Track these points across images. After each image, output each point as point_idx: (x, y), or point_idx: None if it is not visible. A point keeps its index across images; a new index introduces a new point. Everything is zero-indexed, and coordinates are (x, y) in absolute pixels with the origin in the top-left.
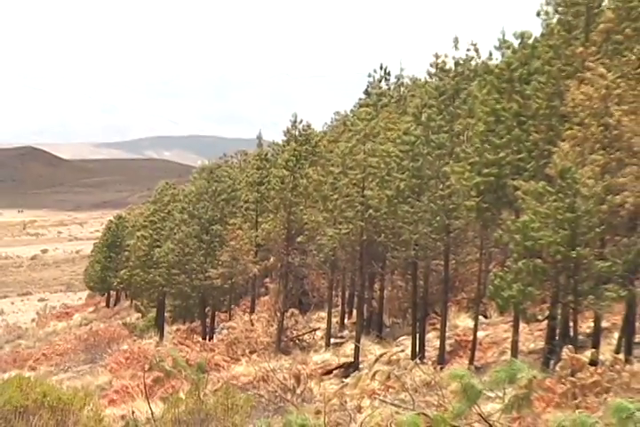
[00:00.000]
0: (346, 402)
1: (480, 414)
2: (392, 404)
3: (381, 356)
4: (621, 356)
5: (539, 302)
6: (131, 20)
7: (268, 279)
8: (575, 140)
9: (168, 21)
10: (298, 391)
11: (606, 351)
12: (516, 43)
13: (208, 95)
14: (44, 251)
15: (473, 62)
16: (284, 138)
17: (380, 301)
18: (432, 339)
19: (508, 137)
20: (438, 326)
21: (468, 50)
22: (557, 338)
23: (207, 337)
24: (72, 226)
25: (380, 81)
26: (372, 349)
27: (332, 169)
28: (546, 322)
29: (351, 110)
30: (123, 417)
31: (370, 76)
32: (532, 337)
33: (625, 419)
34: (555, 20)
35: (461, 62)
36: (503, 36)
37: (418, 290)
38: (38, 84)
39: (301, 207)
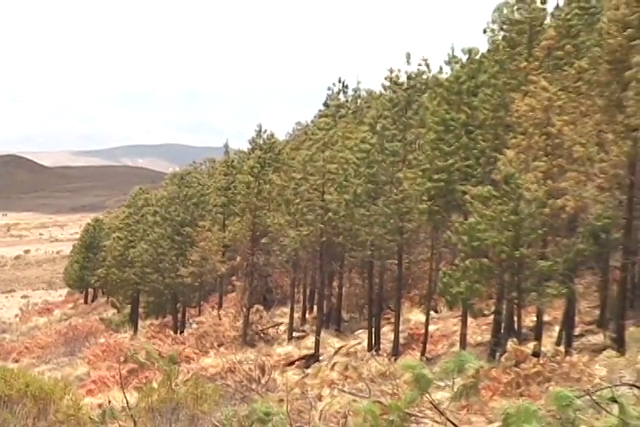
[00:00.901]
0: (307, 391)
1: (431, 402)
2: (350, 393)
3: (340, 348)
4: (562, 348)
5: (485, 298)
6: (107, 36)
7: (234, 277)
8: (519, 148)
9: (142, 37)
10: (262, 381)
11: (548, 344)
12: (464, 58)
13: (179, 106)
14: (27, 251)
15: (424, 76)
16: (250, 146)
17: (338, 297)
18: (387, 332)
19: (456, 145)
20: (392, 320)
21: (420, 64)
22: (502, 331)
23: (178, 331)
24: (53, 228)
25: (339, 93)
26: (331, 342)
27: (293, 175)
28: (492, 316)
29: (312, 121)
30: (100, 406)
31: (329, 89)
32: (479, 330)
33: (565, 406)
34: (500, 37)
35: (413, 76)
36: (452, 51)
37: (373, 287)
38: (21, 97)
39: (265, 211)
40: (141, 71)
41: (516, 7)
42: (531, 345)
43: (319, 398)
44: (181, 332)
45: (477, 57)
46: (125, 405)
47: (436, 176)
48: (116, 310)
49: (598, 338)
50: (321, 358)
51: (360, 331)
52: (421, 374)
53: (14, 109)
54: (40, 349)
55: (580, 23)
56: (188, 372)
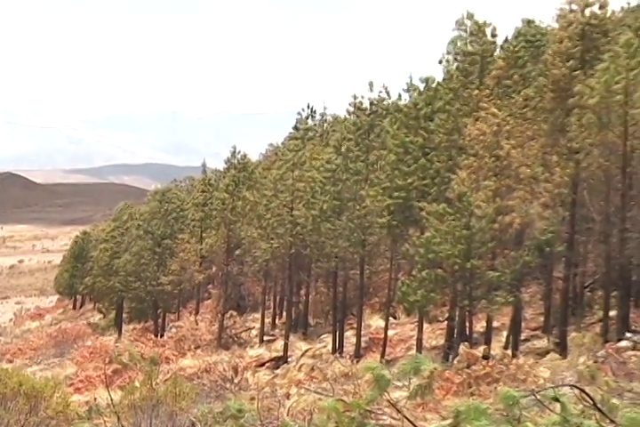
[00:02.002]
0: (276, 390)
1: (389, 401)
2: (315, 392)
3: (306, 351)
4: (509, 351)
5: (439, 306)
6: (95, 64)
7: (210, 286)
8: (471, 169)
9: (128, 66)
10: (235, 381)
11: (496, 347)
12: (421, 86)
13: (161, 129)
14: (21, 261)
15: (385, 102)
16: (225, 166)
17: (305, 304)
18: (349, 337)
19: (414, 166)
20: (355, 325)
21: (381, 92)
22: (455, 336)
23: (159, 335)
24: (44, 240)
25: (307, 118)
26: (298, 345)
27: (265, 192)
28: (445, 322)
29: (282, 143)
30: (87, 403)
31: (298, 114)
32: (434, 335)
33: (511, 405)
34: (454, 67)
35: (375, 102)
36: (410, 80)
37: (337, 295)
38: (16, 120)
39: (239, 225)
40: (127, 97)
41: (468, 40)
42: (481, 349)
43: (287, 396)
44: (161, 335)
45: (433, 85)
46: (110, 402)
47: (395, 194)
48: (101, 315)
49: (542, 343)
50: (289, 359)
51: (325, 335)
52: (381, 374)
53: (10, 131)
54: (32, 350)
55: (526, 55)
56: (168, 372)
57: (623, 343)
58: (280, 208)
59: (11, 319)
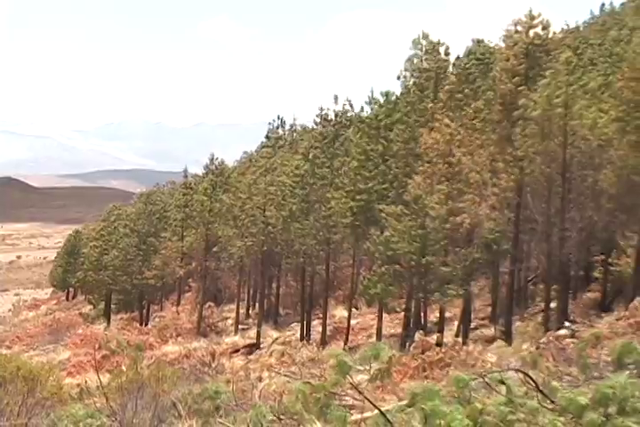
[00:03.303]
0: (249, 374)
1: (352, 383)
2: (285, 375)
3: (277, 338)
4: (460, 339)
5: (397, 298)
6: (87, 79)
7: (190, 279)
8: (426, 174)
9: (117, 81)
10: (213, 366)
11: (448, 335)
12: (381, 99)
13: (147, 138)
14: (19, 257)
15: (349, 114)
16: (204, 171)
17: (276, 296)
18: (316, 326)
19: (375, 171)
20: (321, 315)
21: (345, 104)
22: (411, 325)
23: (143, 324)
24: (41, 238)
25: (278, 128)
26: (270, 333)
27: (240, 195)
28: (403, 313)
29: (255, 150)
30: (78, 385)
31: (270, 124)
32: (393, 324)
33: (462, 387)
34: (411, 82)
35: (340, 114)
36: (372, 94)
37: (305, 288)
38: (15, 129)
39: (216, 224)
40: (116, 109)
41: (424, 58)
42: (434, 337)
43: (260, 379)
44: (146, 324)
45: (392, 99)
46: (99, 384)
47: (357, 197)
48: (92, 306)
49: (490, 331)
50: (261, 346)
51: (294, 324)
52: (344, 360)
53: (9, 140)
54: (29, 338)
55: (476, 71)
56: (152, 357)
57: (562, 332)
58: (253, 210)
59: (9, 310)
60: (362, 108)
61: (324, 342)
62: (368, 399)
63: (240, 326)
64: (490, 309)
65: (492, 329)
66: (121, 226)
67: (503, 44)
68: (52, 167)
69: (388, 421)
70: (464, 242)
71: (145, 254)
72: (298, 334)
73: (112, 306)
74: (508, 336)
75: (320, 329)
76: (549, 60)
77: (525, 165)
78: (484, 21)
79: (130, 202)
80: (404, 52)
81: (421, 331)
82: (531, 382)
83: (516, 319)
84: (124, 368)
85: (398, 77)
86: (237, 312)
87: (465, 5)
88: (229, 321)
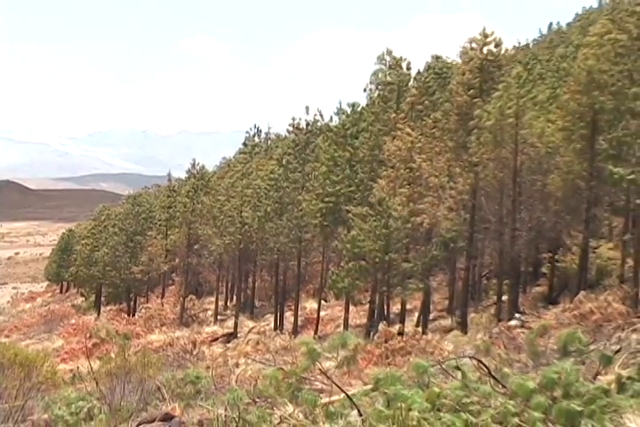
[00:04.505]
0: (227, 360)
1: (320, 369)
2: (259, 362)
3: (253, 328)
4: (420, 329)
5: (363, 291)
6: (80, 90)
7: (174, 274)
8: (389, 178)
9: (107, 92)
10: (194, 353)
11: (409, 326)
12: (349, 110)
13: (134, 145)
14: (17, 253)
15: (318, 123)
16: (186, 175)
17: (252, 290)
18: (288, 316)
19: (342, 176)
20: (293, 307)
21: (316, 115)
22: (376, 316)
23: (131, 315)
24: (37, 236)
25: (254, 136)
26: (246, 323)
27: (219, 197)
28: (368, 305)
29: (233, 156)
30: (71, 371)
31: (247, 132)
32: (358, 316)
33: (421, 373)
34: (376, 94)
35: (310, 123)
36: (340, 105)
37: (279, 282)
38: (13, 137)
39: (198, 224)
40: (105, 118)
41: (388, 72)
42: (397, 327)
43: (236, 365)
44: (133, 315)
45: (358, 109)
46: (90, 370)
47: (326, 199)
48: (83, 299)
49: (447, 322)
50: (239, 335)
51: (268, 315)
52: (313, 348)
53: (8, 146)
54: (26, 327)
55: (435, 85)
56: (138, 345)
57: (513, 322)
58: (231, 210)
59: (8, 302)
60: (331, 117)
61: (295, 332)
62: (336, 384)
63: (219, 317)
64: (447, 301)
65: (449, 320)
66: (110, 225)
67: (460, 60)
68: (47, 171)
69: (354, 403)
70: (424, 240)
71: (132, 251)
72: (272, 325)
73: (102, 298)
74: (463, 326)
75: (292, 320)
76: (502, 74)
77: (480, 170)
78: (442, 39)
79: (118, 203)
80: (370, 67)
81: (385, 322)
82: (484, 368)
83: (471, 311)
84: (112, 355)
85: (364, 90)
86: (216, 304)
87: (425, 25)
88: (209, 312)
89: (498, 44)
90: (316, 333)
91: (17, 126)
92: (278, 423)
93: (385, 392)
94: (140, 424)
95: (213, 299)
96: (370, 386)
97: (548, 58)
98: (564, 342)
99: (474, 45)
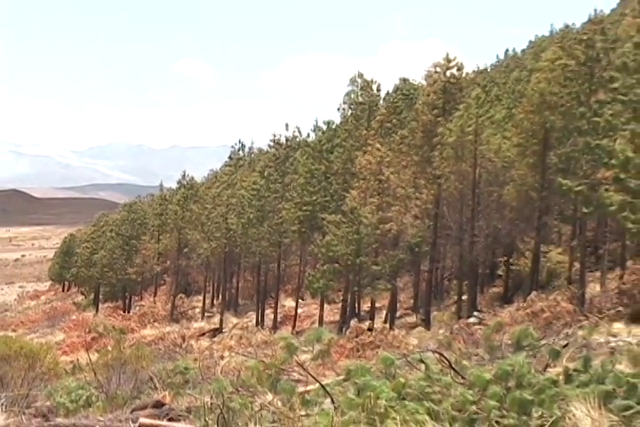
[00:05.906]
0: (213, 353)
1: (297, 362)
2: (242, 355)
3: (236, 324)
4: (387, 325)
5: (336, 291)
6: (81, 108)
7: (165, 275)
8: (360, 189)
9: (103, 113)
10: (183, 346)
11: (378, 322)
12: (324, 127)
13: (129, 158)
14: (23, 255)
15: (297, 139)
16: (177, 186)
17: (236, 289)
18: (269, 314)
19: (318, 187)
20: (273, 305)
21: (294, 131)
22: (348, 314)
23: (126, 311)
24: (41, 240)
25: (239, 150)
26: (231, 320)
27: (206, 206)
28: (341, 303)
29: (220, 168)
30: (71, 362)
31: (232, 147)
32: (332, 313)
33: (389, 365)
34: (349, 113)
35: (290, 139)
36: (316, 123)
37: (260, 282)
38: (20, 150)
39: (187, 230)
40: (104, 133)
41: (359, 93)
42: (367, 323)
43: (222, 358)
44: (128, 312)
45: (333, 127)
46: (89, 362)
47: (304, 207)
48: (83, 297)
49: (412, 319)
50: (224, 330)
51: (251, 312)
52: (291, 342)
53: (16, 158)
54: (31, 322)
55: (403, 104)
56: (132, 339)
57: (472, 320)
58: (218, 217)
59: (15, 299)
60: (308, 134)
61: (275, 328)
62: (311, 375)
63: (206, 314)
64: (412, 300)
65: (414, 317)
66: (108, 230)
67: (425, 82)
68: (51, 181)
69: (328, 392)
70: (391, 245)
71: (128, 254)
72: (254, 321)
73: (100, 297)
74: (427, 323)
75: (272, 317)
76: (463, 95)
77: (442, 182)
78: (409, 63)
79: (115, 210)
80: (343, 88)
81: (356, 319)
82: (445, 361)
83: (434, 309)
84: (109, 348)
85: (338, 109)
86: (204, 302)
87: (394, 50)
88: (197, 310)
89: (459, 68)
90: (293, 328)
91: (24, 141)
92: (259, 410)
93: (356, 382)
94: (133, 411)
95: (201, 297)
96: (342, 377)
97: (504, 81)
98: (517, 338)
99: (438, 69)
